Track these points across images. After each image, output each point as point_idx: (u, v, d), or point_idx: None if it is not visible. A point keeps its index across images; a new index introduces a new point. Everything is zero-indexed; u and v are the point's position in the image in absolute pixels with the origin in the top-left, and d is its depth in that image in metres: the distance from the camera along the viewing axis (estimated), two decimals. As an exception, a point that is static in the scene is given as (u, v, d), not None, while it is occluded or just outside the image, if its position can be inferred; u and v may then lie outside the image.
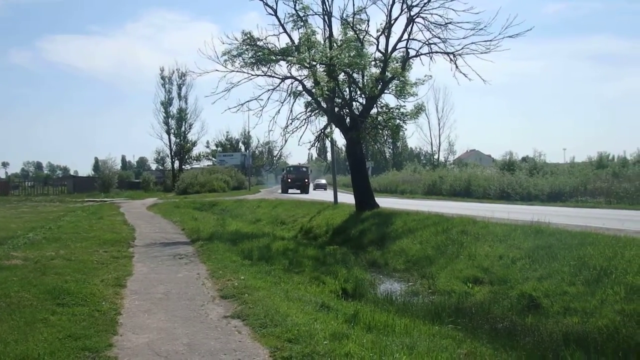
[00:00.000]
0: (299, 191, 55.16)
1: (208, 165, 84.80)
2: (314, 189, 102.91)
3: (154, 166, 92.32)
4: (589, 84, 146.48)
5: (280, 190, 60.94)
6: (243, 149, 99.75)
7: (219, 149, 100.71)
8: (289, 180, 57.78)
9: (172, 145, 78.42)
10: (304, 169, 61.88)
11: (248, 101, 23.18)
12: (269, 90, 23.12)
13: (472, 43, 21.95)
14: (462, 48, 22.27)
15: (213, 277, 10.88)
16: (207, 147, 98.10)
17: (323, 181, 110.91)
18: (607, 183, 29.86)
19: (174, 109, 77.87)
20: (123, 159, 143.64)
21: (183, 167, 79.10)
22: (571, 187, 30.51)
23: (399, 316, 9.27)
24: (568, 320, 9.02)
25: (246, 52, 22.26)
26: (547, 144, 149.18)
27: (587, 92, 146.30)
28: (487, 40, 21.59)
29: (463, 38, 22.95)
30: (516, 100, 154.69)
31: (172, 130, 78.06)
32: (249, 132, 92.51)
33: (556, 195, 30.38)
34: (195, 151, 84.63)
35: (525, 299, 10.20)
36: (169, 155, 79.27)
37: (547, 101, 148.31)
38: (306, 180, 57.42)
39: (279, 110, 23.66)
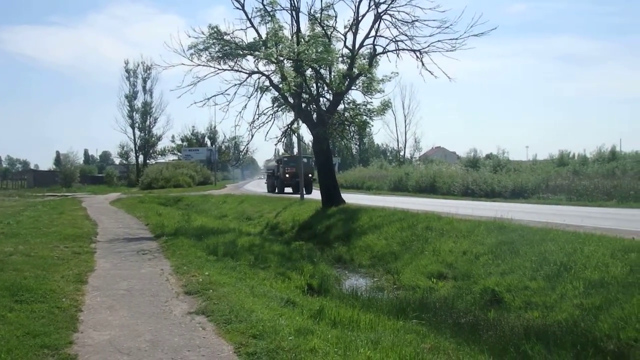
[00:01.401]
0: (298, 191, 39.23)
1: (173, 160, 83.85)
2: None
3: (117, 160, 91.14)
4: (552, 83, 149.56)
5: (266, 189, 47.61)
6: (209, 143, 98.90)
7: (185, 143, 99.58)
8: (287, 175, 42.16)
9: (136, 140, 77.48)
10: (305, 160, 39.25)
11: (214, 95, 23.05)
12: (235, 85, 23.00)
13: (438, 41, 22.24)
14: (428, 46, 22.55)
15: (177, 273, 10.75)
16: (173, 141, 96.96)
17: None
18: (567, 180, 30.51)
19: (138, 103, 77.00)
20: (86, 152, 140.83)
21: (148, 161, 78.17)
22: (533, 184, 31.07)
23: (364, 311, 9.31)
24: (529, 314, 9.21)
25: (213, 46, 22.07)
26: (510, 142, 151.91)
27: (550, 91, 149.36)
28: (453, 39, 21.90)
29: (429, 36, 23.25)
30: (481, 98, 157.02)
31: (137, 124, 77.14)
32: (215, 126, 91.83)
33: (519, 192, 30.90)
34: (160, 145, 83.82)
35: (488, 294, 10.37)
36: (133, 150, 78.30)
37: (511, 100, 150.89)
38: (310, 175, 41.45)
39: (246, 105, 23.49)
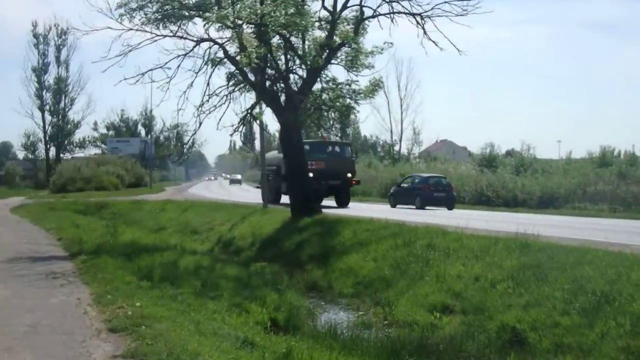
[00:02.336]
0: (334, 202, 35.46)
1: (96, 155, 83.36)
2: (230, 184, 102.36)
3: (21, 154, 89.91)
4: (593, 58, 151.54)
5: (264, 198, 34.71)
6: (143, 133, 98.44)
7: (111, 132, 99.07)
8: (319, 174, 32.19)
9: (47, 127, 76.87)
10: (339, 148, 35.97)
11: (151, 70, 22.90)
12: (179, 56, 22.86)
13: (445, 2, 22.35)
14: (432, 8, 22.69)
15: (99, 303, 10.64)
16: (95, 129, 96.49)
17: (238, 176, 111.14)
18: (611, 185, 30.97)
19: (50, 78, 76.45)
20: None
21: (62, 156, 77.49)
22: (567, 190, 31.52)
23: (345, 355, 9.31)
24: (560, 359, 9.25)
25: (149, 4, 21.94)
26: (537, 135, 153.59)
27: (591, 69, 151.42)
28: (464, -1, 21.99)
29: (433, -5, 23.29)
30: (500, 78, 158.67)
31: (48, 107, 76.52)
32: (151, 111, 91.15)
33: (548, 200, 31.32)
34: (78, 135, 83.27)
35: (507, 333, 10.42)
36: (43, 140, 77.51)
37: (538, 80, 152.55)
38: (350, 175, 34.70)
39: (192, 82, 23.28)
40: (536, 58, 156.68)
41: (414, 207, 33.53)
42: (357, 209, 32.00)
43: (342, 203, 34.74)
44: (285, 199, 32.57)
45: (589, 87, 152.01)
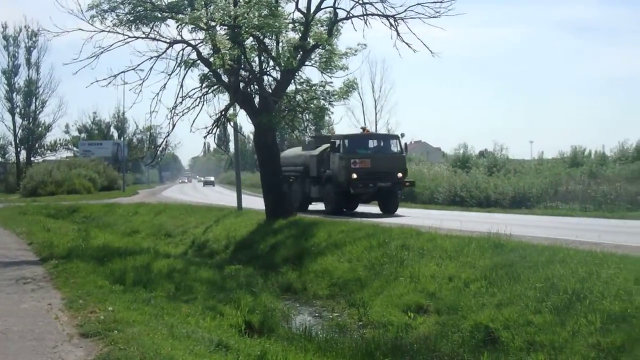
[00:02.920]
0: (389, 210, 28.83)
1: (68, 158, 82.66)
2: (203, 186, 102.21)
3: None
4: (566, 60, 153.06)
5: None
6: (116, 135, 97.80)
7: (83, 135, 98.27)
8: (364, 175, 27.44)
9: (17, 130, 75.92)
10: (386, 142, 30.10)
11: (123, 72, 22.85)
12: (152, 58, 22.82)
13: (418, 4, 22.46)
14: (406, 10, 22.76)
15: (71, 308, 10.57)
16: (67, 132, 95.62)
17: (211, 178, 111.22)
18: (582, 185, 31.29)
19: (20, 80, 75.57)
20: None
21: (33, 159, 76.67)
22: (539, 190, 31.77)
23: (320, 356, 9.33)
24: (532, 357, 9.36)
25: (122, 5, 21.82)
26: (510, 136, 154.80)
27: (563, 71, 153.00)
28: (437, 1, 22.14)
29: (406, -3, 23.41)
30: (473, 79, 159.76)
31: (18, 109, 75.58)
32: (124, 113, 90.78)
33: (521, 200, 31.55)
34: (49, 138, 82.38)
35: (480, 332, 10.52)
36: (13, 143, 76.65)
37: (512, 82, 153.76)
38: (401, 175, 28.41)
39: (165, 84, 23.20)
40: (509, 59, 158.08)
41: None
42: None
43: (389, 209, 28.35)
44: (315, 206, 30.53)
45: (562, 88, 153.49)
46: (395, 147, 28.87)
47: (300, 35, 23.61)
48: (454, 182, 37.37)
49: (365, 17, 23.55)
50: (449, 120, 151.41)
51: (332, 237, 19.05)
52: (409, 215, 26.31)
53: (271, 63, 24.70)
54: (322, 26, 23.96)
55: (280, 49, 24.04)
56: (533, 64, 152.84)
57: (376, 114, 79.60)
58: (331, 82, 24.24)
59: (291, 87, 24.78)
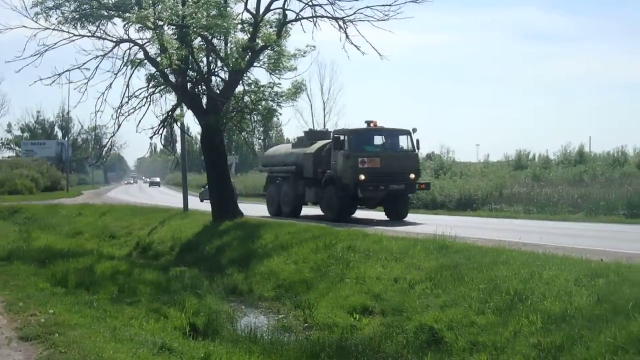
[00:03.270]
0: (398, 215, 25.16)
1: (9, 157, 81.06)
2: (149, 187, 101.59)
3: None
4: (511, 65, 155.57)
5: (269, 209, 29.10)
6: (60, 135, 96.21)
7: (26, 134, 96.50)
8: (373, 176, 23.73)
9: (-44, 129, 74.15)
10: (396, 138, 25.41)
11: (68, 70, 22.62)
12: (97, 57, 22.66)
13: (367, 7, 22.67)
14: (355, 13, 22.97)
15: (10, 311, 10.40)
16: (9, 131, 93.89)
17: (157, 179, 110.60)
18: (526, 188, 31.88)
19: (-41, 78, 73.71)
20: None
21: (-28, 158, 74.91)
22: (484, 192, 32.19)
23: (265, 358, 9.32)
24: (475, 357, 9.49)
25: (66, 3, 21.52)
26: (457, 139, 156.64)
27: (509, 75, 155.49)
28: (386, 5, 22.35)
29: (356, 0, 23.60)
30: (422, 82, 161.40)
31: (-43, 107, 73.82)
32: (68, 112, 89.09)
33: (467, 202, 31.92)
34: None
35: (424, 333, 10.61)
36: (-48, 142, 74.92)
37: (459, 85, 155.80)
38: (413, 176, 24.62)
39: (111, 84, 23.05)
40: (457, 63, 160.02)
41: None
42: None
43: (398, 214, 24.81)
44: (309, 210, 27.37)
45: (508, 93, 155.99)
46: (406, 144, 24.90)
47: (249, 36, 23.60)
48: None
49: (314, 19, 23.66)
50: (398, 123, 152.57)
51: (278, 239, 19.04)
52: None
53: (219, 63, 24.66)
54: (271, 27, 23.97)
55: (228, 49, 23.97)
56: (481, 67, 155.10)
57: (325, 115, 79.85)
58: (279, 84, 24.39)
59: (239, 88, 24.84)
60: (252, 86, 24.90)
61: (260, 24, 23.49)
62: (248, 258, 18.25)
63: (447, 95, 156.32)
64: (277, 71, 24.12)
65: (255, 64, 24.12)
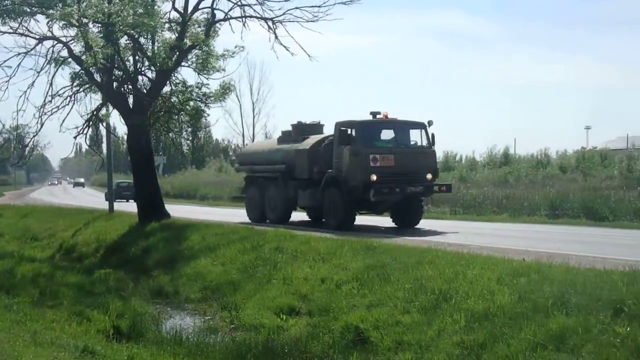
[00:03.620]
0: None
1: None
2: (73, 187, 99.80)
3: None
4: (438, 66, 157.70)
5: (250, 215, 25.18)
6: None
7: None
8: (388, 176, 20.32)
9: None
10: (410, 132, 21.87)
11: (-13, 68, 21.84)
12: (19, 54, 22.23)
13: (296, 8, 22.74)
14: (284, 14, 23.00)
15: None
16: None
17: (81, 180, 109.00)
18: (452, 189, 32.39)
19: None
20: None
21: None
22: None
23: (190, 360, 9.26)
24: (400, 356, 9.59)
25: (-14, -2, 20.94)
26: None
27: (437, 76, 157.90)
28: (315, 6, 22.44)
29: (285, 1, 23.61)
30: (351, 83, 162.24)
31: None
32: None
33: (394, 204, 32.29)
34: None
35: (350, 333, 10.68)
36: None
37: (387, 85, 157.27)
38: (430, 176, 21.35)
39: (34, 82, 22.56)
40: (386, 63, 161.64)
41: None
42: (201, 213, 30.15)
43: (410, 221, 21.55)
44: (297, 215, 24.09)
45: (436, 95, 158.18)
46: (421, 139, 21.42)
47: (177, 35, 23.36)
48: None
49: (243, 19, 23.62)
50: (329, 121, 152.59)
51: (206, 240, 18.91)
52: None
53: (146, 63, 24.36)
54: (199, 27, 23.80)
55: (155, 48, 23.70)
56: (409, 70, 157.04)
57: (254, 116, 79.76)
58: (208, 84, 24.27)
59: (167, 88, 24.64)
60: (180, 86, 24.73)
61: (189, 23, 23.28)
62: (174, 260, 18.08)
63: (376, 96, 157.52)
64: (205, 71, 23.98)
65: (183, 63, 23.94)
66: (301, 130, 23.95)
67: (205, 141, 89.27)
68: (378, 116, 21.16)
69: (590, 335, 8.37)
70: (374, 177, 19.69)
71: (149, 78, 24.65)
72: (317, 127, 24.26)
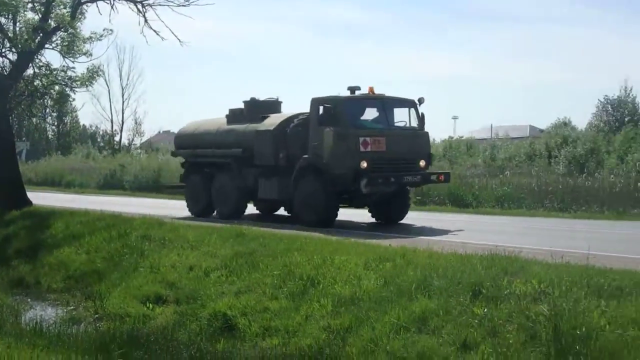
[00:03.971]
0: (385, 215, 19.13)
1: None
2: None
3: None
4: (318, 57, 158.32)
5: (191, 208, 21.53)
6: None
7: None
8: (379, 163, 17.23)
9: None
10: (400, 110, 18.57)
11: None
12: None
13: (167, -9, 22.20)
14: (154, -4, 22.43)
15: None
16: None
17: None
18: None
19: None
20: None
21: None
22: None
23: (51, 352, 8.89)
24: (267, 342, 9.67)
25: None
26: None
27: (314, 69, 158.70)
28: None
29: (155, -17, 23.08)
30: (223, 69, 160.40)
31: None
32: None
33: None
34: None
35: (218, 320, 10.67)
36: None
37: (263, 77, 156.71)
38: (424, 163, 18.37)
39: None
40: (260, 53, 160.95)
41: None
42: (65, 201, 29.16)
43: (396, 215, 18.93)
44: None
45: (313, 86, 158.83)
46: (410, 119, 18.43)
47: (41, 16, 22.40)
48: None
49: (111, 1, 22.95)
50: (201, 111, 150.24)
51: (69, 228, 18.30)
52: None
53: (7, 44, 23.23)
54: (64, 8, 22.90)
55: (17, 29, 22.71)
56: (285, 59, 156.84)
57: (123, 102, 77.55)
58: (74, 67, 23.45)
59: (30, 71, 23.62)
60: (44, 69, 23.74)
61: (53, 3, 22.38)
62: (36, 249, 17.42)
63: (251, 85, 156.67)
64: (71, 54, 23.15)
65: (47, 46, 23.03)
66: (255, 108, 20.46)
67: (72, 127, 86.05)
68: (358, 92, 17.92)
69: (451, 316, 8.71)
70: (364, 164, 16.65)
71: (10, 60, 23.54)
72: (274, 105, 20.85)
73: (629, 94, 53.45)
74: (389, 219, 18.63)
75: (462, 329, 8.29)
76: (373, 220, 19.00)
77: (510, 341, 7.79)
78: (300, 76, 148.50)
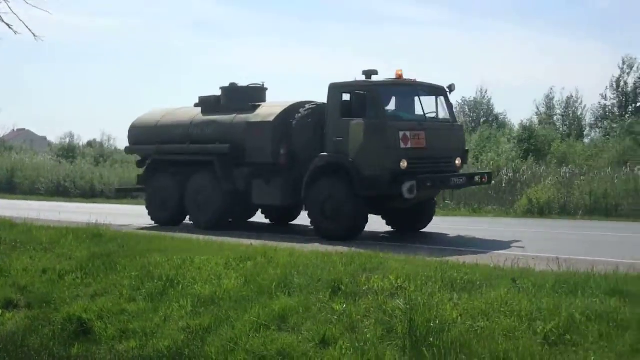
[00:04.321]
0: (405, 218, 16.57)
1: None
2: None
3: None
4: (188, 53, 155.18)
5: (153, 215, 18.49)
6: None
7: None
8: (416, 160, 14.41)
9: None
10: (434, 101, 15.67)
11: None
12: None
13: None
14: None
15: None
16: None
17: None
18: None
19: None
20: None
21: None
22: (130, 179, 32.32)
23: None
24: (124, 345, 9.42)
25: None
26: (119, 126, 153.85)
27: (185, 64, 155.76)
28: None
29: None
30: (83, 65, 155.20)
31: None
32: None
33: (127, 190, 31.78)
34: None
35: (73, 324, 10.30)
36: None
37: (124, 72, 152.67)
38: (459, 162, 15.60)
39: None
40: (123, 49, 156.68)
41: None
42: None
43: (421, 223, 16.64)
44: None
45: (178, 83, 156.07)
46: (439, 110, 15.71)
47: None
48: (58, 172, 36.46)
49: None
50: (58, 109, 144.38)
51: None
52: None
53: None
54: None
55: None
56: (153, 55, 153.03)
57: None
58: None
59: None
60: None
61: None
62: None
63: (110, 81, 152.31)
64: None
65: None
66: (235, 95, 17.56)
67: None
68: (375, 77, 15.03)
69: (310, 313, 8.81)
70: (404, 164, 13.96)
71: None
72: (258, 92, 17.93)
73: (484, 95, 56.18)
74: (411, 227, 16.41)
75: (321, 326, 8.40)
76: (389, 228, 16.79)
77: (368, 336, 7.94)
78: (178, 72, 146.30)
